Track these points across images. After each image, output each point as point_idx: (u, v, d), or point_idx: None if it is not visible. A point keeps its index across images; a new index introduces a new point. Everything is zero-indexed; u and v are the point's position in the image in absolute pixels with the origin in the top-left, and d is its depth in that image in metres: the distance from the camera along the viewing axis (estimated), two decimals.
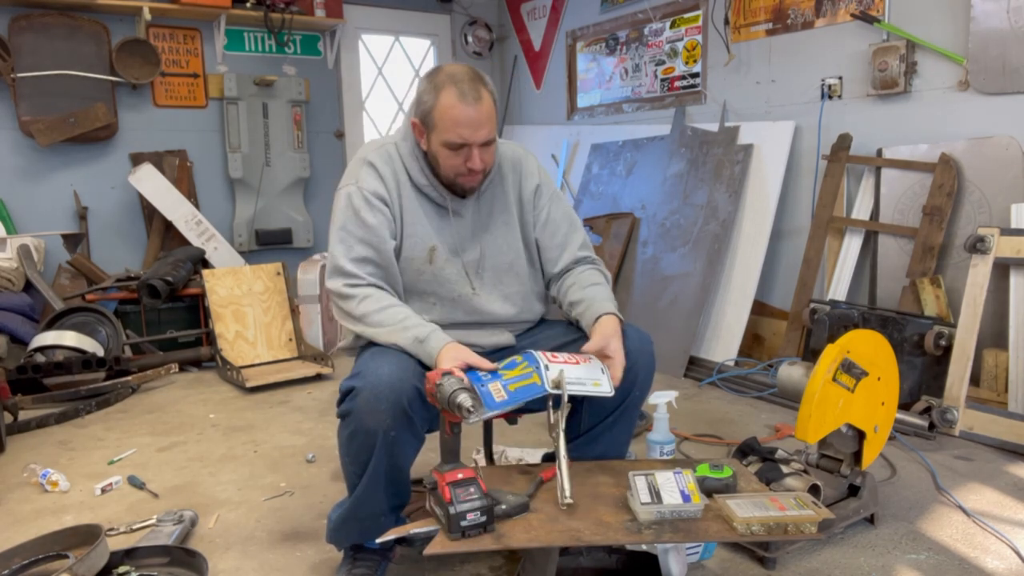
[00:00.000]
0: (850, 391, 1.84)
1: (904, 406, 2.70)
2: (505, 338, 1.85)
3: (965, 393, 2.59)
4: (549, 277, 1.91)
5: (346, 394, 1.59)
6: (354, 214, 1.72)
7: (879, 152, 3.40)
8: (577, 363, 1.58)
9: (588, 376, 1.56)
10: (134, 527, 2.10)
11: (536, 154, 2.00)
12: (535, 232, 1.89)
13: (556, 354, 1.61)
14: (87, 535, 1.81)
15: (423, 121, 1.70)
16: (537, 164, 1.93)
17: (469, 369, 1.55)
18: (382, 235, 1.72)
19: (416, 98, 1.72)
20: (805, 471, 1.97)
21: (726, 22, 4.06)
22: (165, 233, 4.56)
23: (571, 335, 1.83)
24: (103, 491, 2.38)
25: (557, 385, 1.49)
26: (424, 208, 1.78)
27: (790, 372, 2.15)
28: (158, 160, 4.57)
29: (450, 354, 1.58)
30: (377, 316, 1.67)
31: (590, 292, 1.79)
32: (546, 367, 1.53)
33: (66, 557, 1.73)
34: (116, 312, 3.91)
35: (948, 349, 2.63)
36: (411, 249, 1.77)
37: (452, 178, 1.73)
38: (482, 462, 2.34)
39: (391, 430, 1.54)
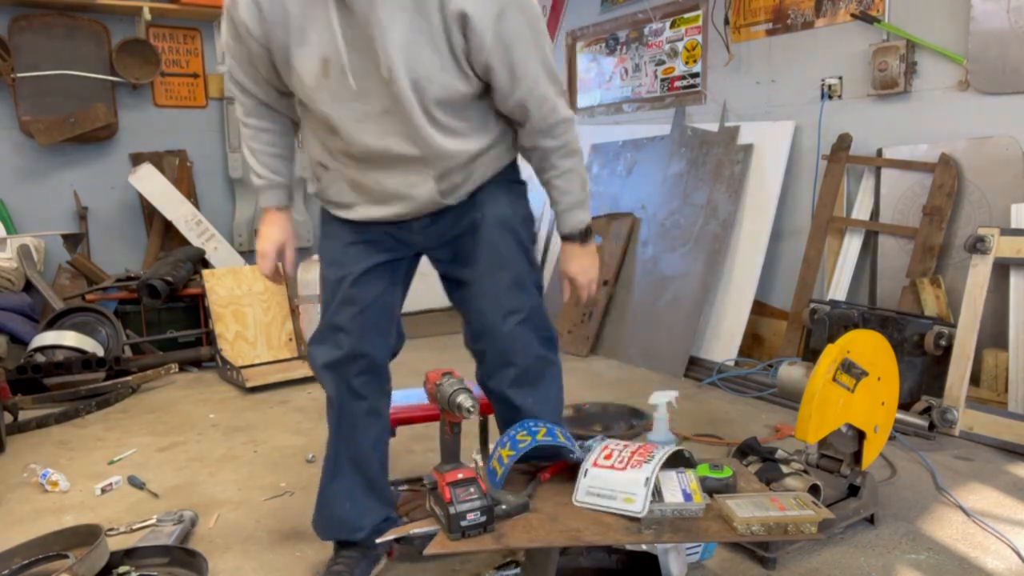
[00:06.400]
0: (850, 391, 1.84)
1: (904, 406, 2.70)
2: (421, 195, 1.55)
3: (965, 393, 2.59)
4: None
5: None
6: (227, 16, 1.50)
7: (879, 152, 3.40)
8: (625, 468, 1.46)
9: (624, 489, 1.43)
10: (134, 527, 2.10)
11: None
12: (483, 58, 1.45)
13: (613, 452, 1.50)
14: (87, 535, 1.81)
15: None
16: None
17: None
18: (253, 34, 1.46)
19: None
20: (805, 471, 1.97)
21: (726, 22, 4.06)
22: (165, 233, 4.56)
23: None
24: (103, 491, 2.38)
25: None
26: (324, 5, 1.40)
27: (790, 372, 2.16)
28: (158, 160, 4.57)
29: (265, 231, 1.64)
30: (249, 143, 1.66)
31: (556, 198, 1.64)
32: (585, 472, 1.48)
33: (66, 557, 1.73)
34: (116, 312, 3.90)
35: (948, 349, 2.62)
36: (302, 62, 1.45)
37: None
38: (482, 462, 2.34)
39: (338, 398, 1.59)
